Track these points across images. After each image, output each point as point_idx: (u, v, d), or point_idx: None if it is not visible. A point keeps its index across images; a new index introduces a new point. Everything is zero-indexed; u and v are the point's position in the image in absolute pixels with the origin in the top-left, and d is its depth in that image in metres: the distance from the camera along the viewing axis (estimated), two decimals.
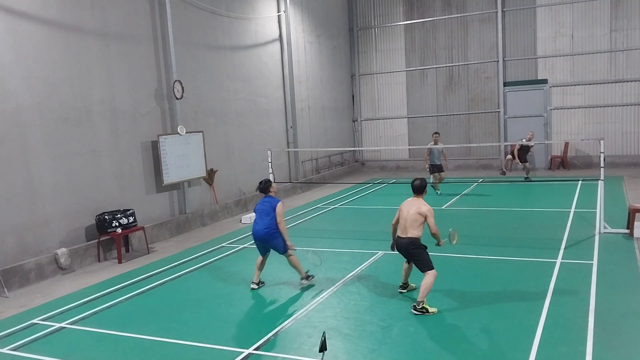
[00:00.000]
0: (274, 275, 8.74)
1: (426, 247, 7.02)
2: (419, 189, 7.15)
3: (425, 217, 6.88)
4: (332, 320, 6.68)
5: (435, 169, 15.55)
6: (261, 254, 8.19)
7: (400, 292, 7.50)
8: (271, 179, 13.12)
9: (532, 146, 16.77)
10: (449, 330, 6.22)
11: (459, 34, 20.95)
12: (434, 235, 6.95)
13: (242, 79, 15.30)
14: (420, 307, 6.71)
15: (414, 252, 6.97)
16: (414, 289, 7.44)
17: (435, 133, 16.09)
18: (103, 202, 10.65)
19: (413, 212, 6.93)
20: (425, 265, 6.89)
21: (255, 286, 8.13)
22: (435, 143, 15.51)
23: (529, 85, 20.03)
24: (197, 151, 12.93)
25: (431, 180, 15.86)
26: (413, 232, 6.91)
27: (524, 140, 16.42)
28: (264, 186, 8.19)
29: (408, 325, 6.42)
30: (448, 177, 18.16)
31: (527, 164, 16.53)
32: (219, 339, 6.33)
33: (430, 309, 6.72)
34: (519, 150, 16.43)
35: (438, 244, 7.14)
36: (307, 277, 8.21)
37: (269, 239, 7.93)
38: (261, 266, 8.25)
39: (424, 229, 7.02)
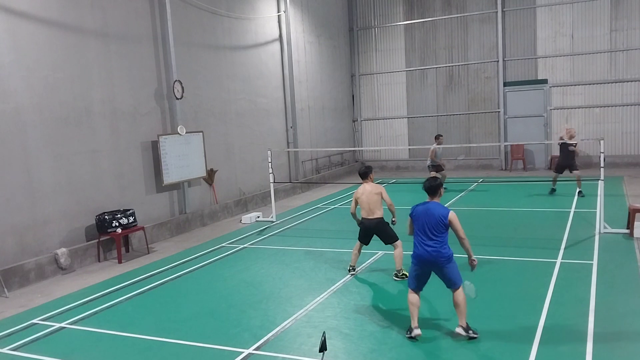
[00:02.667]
0: (274, 275, 8.74)
1: (388, 224, 8.16)
2: (363, 175, 8.26)
3: (381, 194, 8.01)
4: (332, 320, 6.68)
5: (436, 168, 15.78)
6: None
7: (351, 274, 8.41)
8: (271, 179, 13.16)
9: (575, 145, 13.40)
10: (449, 330, 6.21)
11: (459, 34, 20.95)
12: (390, 206, 8.09)
13: (242, 79, 15.30)
14: (400, 274, 8.01)
15: (383, 229, 8.09)
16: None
17: (441, 135, 16.14)
18: (103, 202, 10.65)
19: (373, 194, 8.02)
20: (392, 238, 8.12)
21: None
22: (440, 144, 15.71)
23: (529, 85, 20.03)
24: (197, 151, 12.93)
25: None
26: (378, 212, 8.05)
27: (564, 138, 13.46)
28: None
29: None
30: (448, 177, 18.21)
31: (578, 171, 13.79)
32: (219, 339, 6.33)
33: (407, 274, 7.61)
34: (562, 154, 13.99)
35: (393, 221, 8.20)
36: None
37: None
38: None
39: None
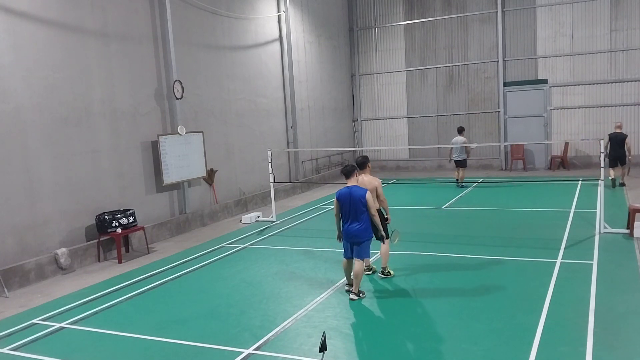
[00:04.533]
0: (274, 275, 8.75)
1: (385, 218, 8.17)
2: (361, 165, 8.10)
3: (377, 188, 7.93)
4: (332, 320, 6.68)
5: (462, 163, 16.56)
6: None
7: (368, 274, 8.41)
8: (271, 179, 13.17)
9: (626, 136, 14.37)
10: (449, 330, 6.22)
11: (459, 34, 20.95)
12: (383, 202, 8.05)
13: (242, 79, 15.30)
14: (386, 271, 8.21)
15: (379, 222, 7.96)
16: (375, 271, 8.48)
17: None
18: (103, 202, 10.65)
19: (371, 187, 7.83)
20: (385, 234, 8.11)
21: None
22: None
23: (529, 85, 20.03)
24: (197, 151, 12.93)
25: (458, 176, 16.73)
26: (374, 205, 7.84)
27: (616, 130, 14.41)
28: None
29: (408, 325, 6.43)
30: (447, 177, 18.22)
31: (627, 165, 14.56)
32: (219, 339, 6.33)
33: (392, 272, 8.26)
34: (609, 145, 14.45)
35: (387, 219, 8.23)
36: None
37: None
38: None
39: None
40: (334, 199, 7.44)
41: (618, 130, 14.38)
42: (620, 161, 14.42)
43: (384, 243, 8.02)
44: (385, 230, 8.02)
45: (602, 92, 19.11)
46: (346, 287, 7.66)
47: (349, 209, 7.23)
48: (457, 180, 16.54)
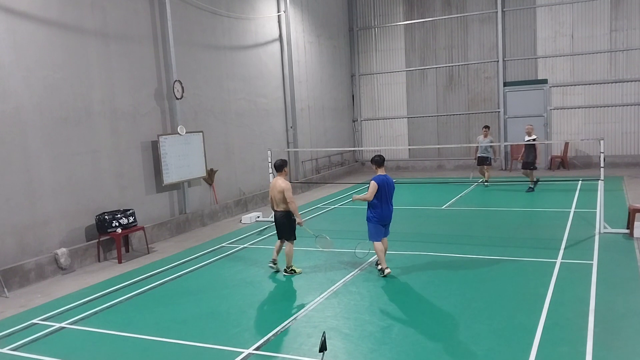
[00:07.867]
0: (274, 275, 8.75)
1: (293, 220, 8.54)
2: (278, 168, 8.64)
3: (283, 192, 8.30)
4: (332, 320, 6.68)
5: (482, 161, 16.19)
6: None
7: (272, 267, 8.89)
8: (271, 179, 13.14)
9: (534, 139, 14.77)
10: (449, 330, 6.23)
11: (459, 34, 20.95)
12: (289, 204, 8.35)
13: (242, 79, 15.30)
14: (290, 269, 8.67)
15: (283, 222, 8.51)
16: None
17: (486, 127, 16.58)
18: (103, 202, 10.65)
19: (276, 191, 8.41)
20: (288, 234, 8.59)
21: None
22: (485, 136, 16.16)
23: (528, 85, 20.03)
24: (197, 151, 12.93)
25: (471, 176, 17.00)
26: (282, 206, 8.45)
27: (526, 137, 14.94)
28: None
29: (408, 325, 6.43)
30: (447, 177, 18.19)
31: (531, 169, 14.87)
32: (219, 339, 6.33)
33: (297, 270, 8.70)
34: (523, 152, 15.14)
35: (298, 223, 8.56)
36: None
37: None
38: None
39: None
40: (373, 184, 8.01)
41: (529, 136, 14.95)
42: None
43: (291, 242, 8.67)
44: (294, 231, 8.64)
45: (602, 92, 19.12)
46: (385, 271, 8.23)
47: (386, 193, 8.10)
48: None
